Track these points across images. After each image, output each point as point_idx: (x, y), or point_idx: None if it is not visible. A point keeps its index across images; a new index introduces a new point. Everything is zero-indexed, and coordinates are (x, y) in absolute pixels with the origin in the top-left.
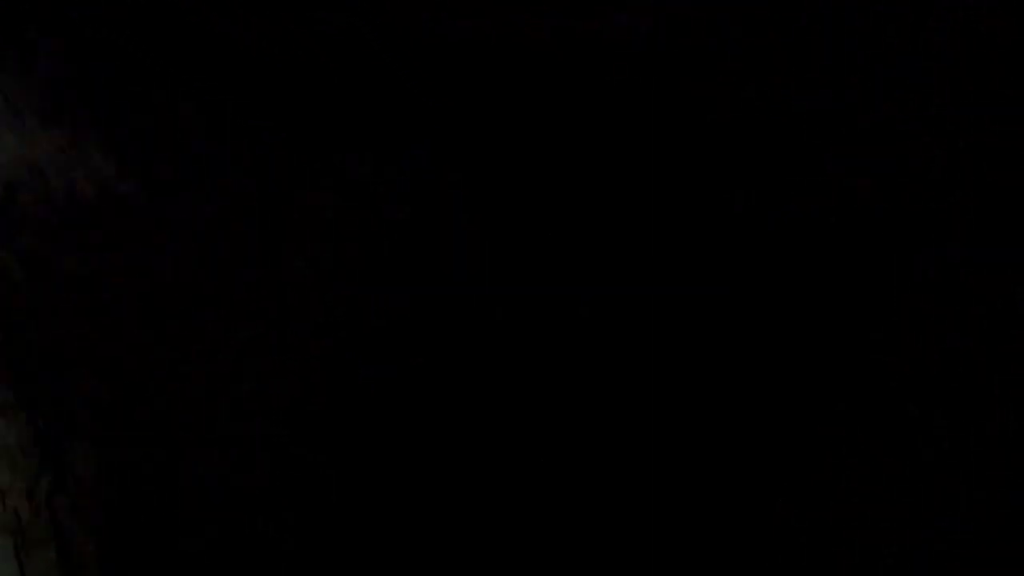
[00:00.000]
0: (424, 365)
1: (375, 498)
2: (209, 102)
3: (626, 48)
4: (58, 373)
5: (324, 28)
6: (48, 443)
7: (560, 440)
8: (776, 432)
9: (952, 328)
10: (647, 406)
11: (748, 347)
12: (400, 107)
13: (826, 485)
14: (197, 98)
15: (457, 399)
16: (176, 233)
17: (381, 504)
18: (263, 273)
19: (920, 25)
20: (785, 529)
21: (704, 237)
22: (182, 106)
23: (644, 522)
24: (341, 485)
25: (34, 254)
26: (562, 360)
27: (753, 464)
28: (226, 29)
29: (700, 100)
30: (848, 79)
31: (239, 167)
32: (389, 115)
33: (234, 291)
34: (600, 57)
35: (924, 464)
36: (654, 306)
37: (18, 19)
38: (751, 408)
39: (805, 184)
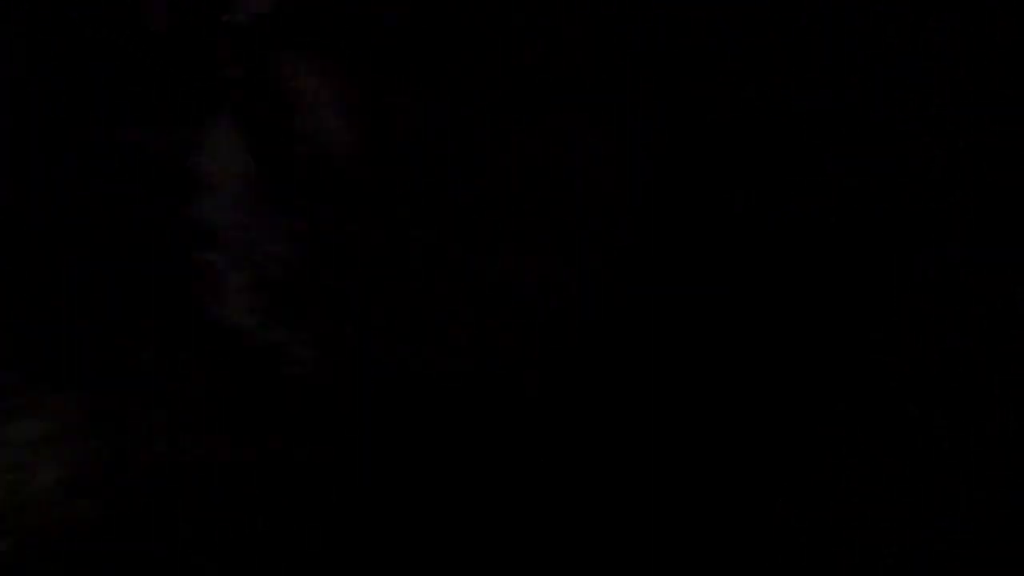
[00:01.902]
0: (422, 366)
1: (375, 498)
2: None
3: (625, 47)
4: None
5: None
6: None
7: (556, 439)
8: (776, 432)
9: (952, 328)
10: (646, 406)
11: (747, 347)
12: None
13: (826, 485)
14: None
15: (450, 398)
16: None
17: (381, 504)
18: None
19: (920, 25)
20: (785, 529)
21: (703, 236)
22: None
23: (643, 521)
24: (342, 484)
25: None
26: (560, 359)
27: (753, 464)
28: None
29: (700, 100)
30: (848, 79)
31: None
32: None
33: None
34: (599, 55)
35: (924, 464)
36: (652, 306)
37: None
38: (751, 408)
39: (805, 184)
